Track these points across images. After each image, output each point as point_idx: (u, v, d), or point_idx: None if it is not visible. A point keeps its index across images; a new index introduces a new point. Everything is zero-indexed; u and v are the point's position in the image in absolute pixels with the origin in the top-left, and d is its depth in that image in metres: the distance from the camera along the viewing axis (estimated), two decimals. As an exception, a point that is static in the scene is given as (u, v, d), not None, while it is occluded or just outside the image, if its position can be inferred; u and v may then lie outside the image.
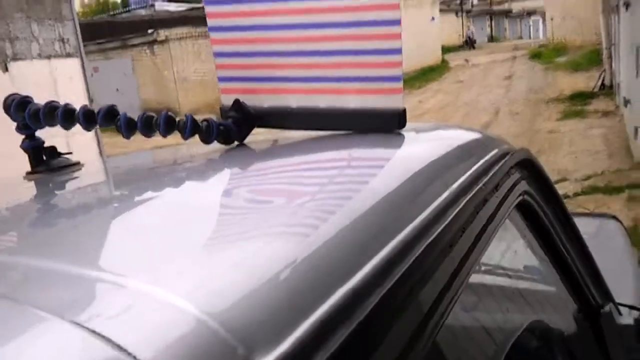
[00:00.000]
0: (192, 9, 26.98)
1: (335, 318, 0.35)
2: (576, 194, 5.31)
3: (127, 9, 35.29)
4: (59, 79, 5.32)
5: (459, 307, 1.23)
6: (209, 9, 0.80)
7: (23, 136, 0.72)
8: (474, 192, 0.60)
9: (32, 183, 0.72)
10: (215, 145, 0.76)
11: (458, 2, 41.66)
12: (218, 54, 0.80)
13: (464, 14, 39.62)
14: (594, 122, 8.84)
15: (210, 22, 0.80)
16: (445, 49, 29.02)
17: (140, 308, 0.32)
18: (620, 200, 4.92)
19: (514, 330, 1.06)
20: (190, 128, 0.72)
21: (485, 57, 26.36)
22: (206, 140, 0.74)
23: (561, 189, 5.55)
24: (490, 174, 0.67)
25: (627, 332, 1.05)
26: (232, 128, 0.76)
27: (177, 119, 0.72)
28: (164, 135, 0.70)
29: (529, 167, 0.85)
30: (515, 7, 46.49)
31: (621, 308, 1.17)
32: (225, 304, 0.33)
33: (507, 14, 46.43)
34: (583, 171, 6.02)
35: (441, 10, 30.19)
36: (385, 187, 0.54)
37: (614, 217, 2.05)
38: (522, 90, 14.11)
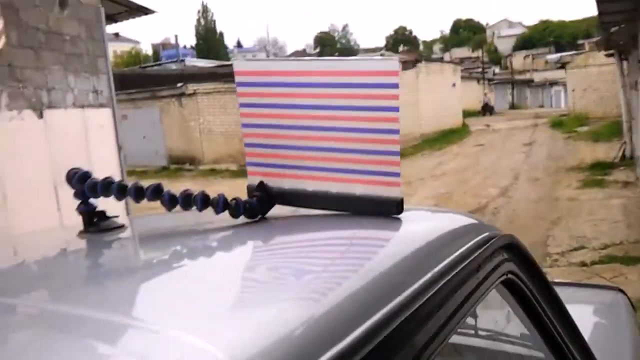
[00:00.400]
0: (220, 65, 27.91)
1: None
2: (593, 263, 5.27)
3: (159, 62, 36.68)
4: (90, 127, 5.54)
5: None
6: (243, 110, 0.94)
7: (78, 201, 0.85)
8: (456, 270, 0.71)
9: (84, 241, 0.84)
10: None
11: (479, 70, 42.55)
12: (248, 145, 0.95)
13: (486, 82, 40.35)
14: (613, 192, 8.82)
15: (243, 120, 0.95)
16: (467, 114, 29.44)
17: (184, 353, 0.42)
18: (637, 271, 4.86)
19: None
20: (222, 205, 0.84)
21: (506, 124, 26.63)
22: (234, 215, 0.87)
23: (579, 256, 5.52)
24: (474, 255, 0.78)
25: None
26: (256, 205, 0.89)
27: (211, 197, 0.84)
28: (200, 210, 0.83)
29: (514, 250, 0.95)
30: (537, 77, 47.20)
31: None
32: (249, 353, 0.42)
33: (528, 83, 47.12)
34: (601, 240, 5.98)
35: (463, 77, 30.85)
36: (378, 265, 0.65)
37: (620, 290, 2.06)
38: (542, 157, 14.17)
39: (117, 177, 0.88)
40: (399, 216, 0.85)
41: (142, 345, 0.45)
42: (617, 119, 15.25)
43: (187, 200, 0.83)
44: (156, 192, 0.82)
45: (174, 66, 29.39)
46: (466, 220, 0.92)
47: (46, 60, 5.17)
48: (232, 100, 17.00)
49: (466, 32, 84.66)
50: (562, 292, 2.12)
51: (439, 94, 23.15)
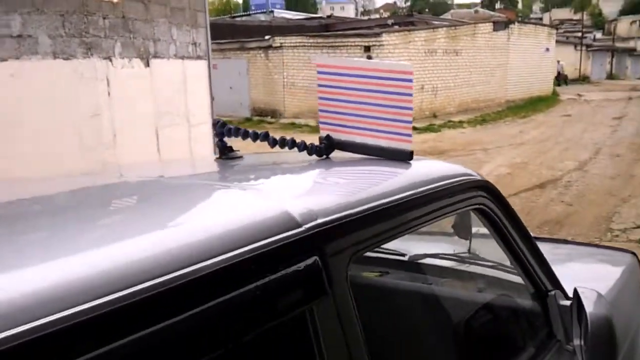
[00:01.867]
0: (309, 18, 28.14)
1: None
2: (649, 241, 5.36)
3: (248, 12, 37.35)
4: (188, 77, 6.13)
5: (432, 280, 1.82)
6: (320, 89, 1.43)
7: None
8: (436, 190, 1.18)
9: (220, 163, 1.41)
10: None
11: (579, 34, 40.17)
12: (321, 110, 1.44)
13: (584, 48, 38.18)
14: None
15: (319, 95, 1.43)
16: (555, 82, 28.23)
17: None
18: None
19: (482, 302, 1.56)
20: (303, 146, 1.36)
21: (599, 94, 25.38)
22: (309, 153, 1.38)
23: (635, 234, 5.60)
24: (451, 185, 1.24)
25: (564, 311, 1.46)
26: (323, 149, 1.40)
27: (297, 141, 1.37)
28: (290, 148, 1.32)
29: (489, 191, 1.38)
30: (642, 45, 44.02)
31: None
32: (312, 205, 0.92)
33: (630, 52, 44.09)
34: (634, 220, 6.01)
35: (559, 42, 29.38)
36: (382, 184, 1.19)
37: (634, 254, 2.30)
38: (629, 132, 13.66)
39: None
40: (410, 162, 1.31)
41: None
42: None
43: (283, 142, 1.36)
44: (265, 136, 1.34)
45: (262, 17, 29.90)
46: (457, 169, 1.36)
47: (154, 13, 5.76)
48: (317, 54, 17.32)
49: (569, -8, 79.38)
50: (578, 252, 2.41)
51: (531, 59, 22.35)
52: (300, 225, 0.85)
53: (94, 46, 5.10)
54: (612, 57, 42.67)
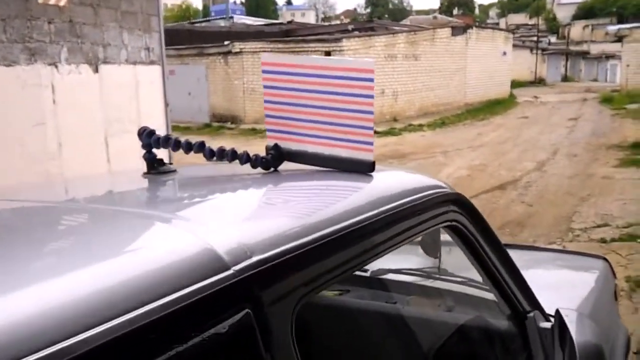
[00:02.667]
0: (269, 24, 28.01)
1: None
2: (613, 240, 5.40)
3: (207, 18, 36.97)
4: (141, 83, 5.92)
5: (397, 299, 1.64)
6: (266, 90, 1.25)
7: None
8: (404, 208, 1.00)
9: (147, 179, 1.18)
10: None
11: (534, 39, 41.17)
12: (268, 116, 1.27)
13: (540, 52, 39.12)
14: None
15: (265, 97, 1.26)
16: (516, 84, 28.80)
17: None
18: (656, 251, 4.98)
19: (454, 324, 1.42)
20: (246, 158, 1.14)
21: (555, 97, 25.97)
22: (254, 166, 1.17)
23: (600, 233, 5.65)
24: (420, 201, 1.06)
25: (545, 334, 1.35)
26: (270, 161, 1.20)
27: (238, 153, 1.16)
28: (230, 161, 1.14)
29: (461, 205, 1.24)
30: (594, 49, 45.36)
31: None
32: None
33: (584, 55, 45.43)
34: (626, 219, 6.06)
35: (515, 46, 30.01)
36: (345, 202, 1.00)
37: (604, 259, 2.27)
38: (585, 133, 13.96)
39: (164, 132, 1.21)
40: (371, 174, 1.15)
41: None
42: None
43: (222, 154, 1.16)
44: (200, 147, 1.14)
45: (222, 23, 29.62)
46: (424, 180, 1.21)
47: (103, 17, 5.54)
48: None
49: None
50: (550, 258, 2.34)
51: (488, 63, 22.72)
52: (227, 268, 0.66)
53: (38, 52, 4.85)
54: (567, 60, 43.86)
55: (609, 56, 41.26)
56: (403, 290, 1.65)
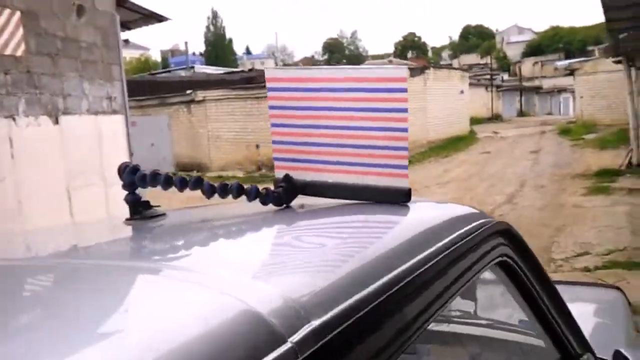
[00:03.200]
0: (229, 72, 28.12)
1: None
2: (597, 268, 5.34)
3: (168, 69, 36.96)
4: (103, 133, 5.68)
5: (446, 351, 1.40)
6: (272, 112, 1.06)
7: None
8: (454, 248, 0.82)
9: (132, 227, 0.95)
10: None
11: (488, 77, 42.50)
12: (276, 142, 1.07)
13: (494, 89, 40.33)
14: (619, 199, 8.86)
15: (272, 120, 1.06)
16: (474, 121, 29.47)
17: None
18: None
19: None
20: (254, 193, 0.95)
21: (514, 131, 26.62)
22: (264, 202, 0.96)
23: (583, 262, 5.59)
24: (470, 236, 0.87)
25: None
26: (282, 195, 0.98)
27: (245, 187, 0.96)
28: (235, 197, 0.94)
29: (509, 235, 1.06)
30: (546, 83, 47.08)
31: None
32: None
33: (537, 90, 47.04)
34: (605, 246, 6.05)
35: (471, 84, 30.87)
36: (384, 243, 0.78)
37: (618, 289, 2.15)
38: (549, 164, 14.21)
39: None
40: (407, 204, 0.96)
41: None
42: (625, 126, 15.27)
43: (224, 189, 0.95)
44: (197, 183, 0.93)
45: (183, 73, 29.62)
46: (466, 210, 1.03)
47: (63, 67, 5.33)
48: (240, 107, 17.20)
49: (475, 39, 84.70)
50: (562, 290, 2.21)
51: (447, 101, 23.20)
52: (284, 340, 0.48)
53: (-7, 104, 4.61)
54: (521, 95, 45.32)
55: (561, 90, 42.88)
56: (427, 339, 1.45)
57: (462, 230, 0.88)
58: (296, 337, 0.49)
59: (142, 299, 0.58)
